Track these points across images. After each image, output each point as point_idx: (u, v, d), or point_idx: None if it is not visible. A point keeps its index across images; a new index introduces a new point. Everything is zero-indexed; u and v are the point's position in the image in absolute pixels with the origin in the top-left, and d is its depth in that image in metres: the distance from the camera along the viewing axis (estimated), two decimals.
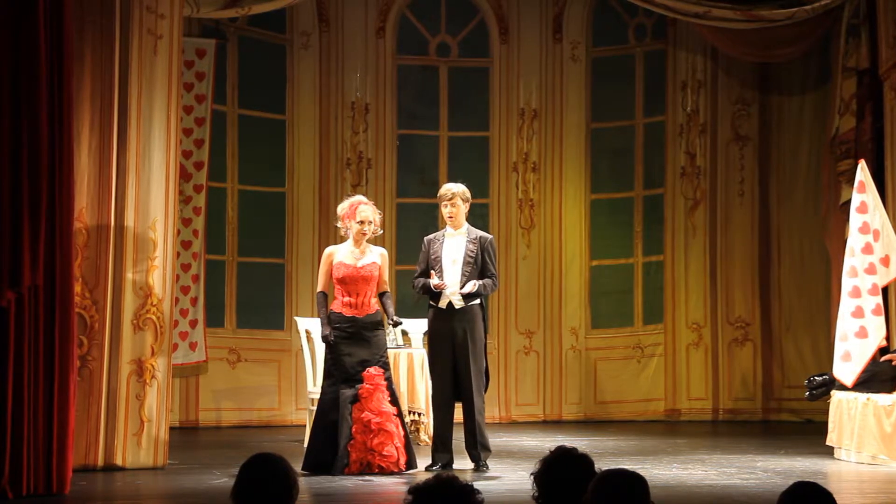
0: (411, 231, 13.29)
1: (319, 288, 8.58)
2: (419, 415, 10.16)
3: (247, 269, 12.63)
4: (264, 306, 12.67)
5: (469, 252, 8.49)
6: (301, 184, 12.86)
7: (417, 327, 11.11)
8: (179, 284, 11.32)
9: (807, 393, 10.00)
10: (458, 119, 13.48)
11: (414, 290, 8.70)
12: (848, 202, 9.87)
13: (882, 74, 10.78)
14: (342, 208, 8.65)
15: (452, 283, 8.45)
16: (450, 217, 8.57)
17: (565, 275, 13.37)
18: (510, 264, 13.31)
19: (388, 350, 9.85)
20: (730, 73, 13.09)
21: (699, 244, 13.16)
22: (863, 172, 9.34)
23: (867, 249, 9.17)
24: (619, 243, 13.53)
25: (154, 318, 8.57)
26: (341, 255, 8.49)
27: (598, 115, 13.53)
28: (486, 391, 8.60)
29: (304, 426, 10.37)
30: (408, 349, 10.45)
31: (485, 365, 8.55)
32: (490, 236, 8.74)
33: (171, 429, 9.02)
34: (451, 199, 8.58)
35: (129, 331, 8.48)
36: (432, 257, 8.52)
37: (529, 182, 13.37)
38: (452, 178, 13.30)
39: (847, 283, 9.20)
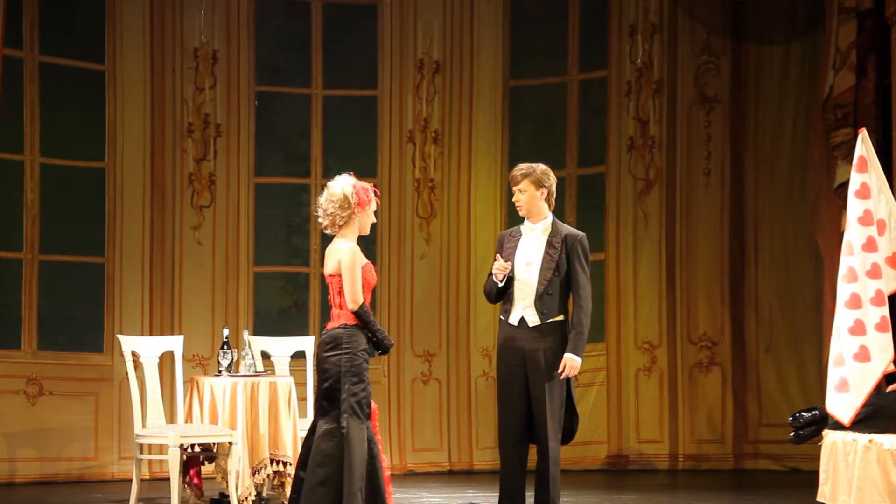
0: (272, 221, 13.20)
1: (363, 300, 8.07)
2: (285, 464, 10.01)
3: (52, 270, 12.51)
4: (76, 321, 12.62)
5: (550, 252, 8.60)
6: (126, 157, 12.75)
7: (282, 348, 10.95)
8: None
9: (792, 433, 10.00)
10: (336, 73, 13.45)
11: (487, 298, 8.80)
12: (845, 184, 9.91)
13: (890, 17, 10.83)
14: (353, 190, 8.04)
15: (528, 293, 8.56)
16: (518, 205, 8.66)
17: (476, 279, 13.27)
18: (403, 265, 13.41)
19: (245, 378, 9.74)
20: (693, 14, 13.16)
21: (652, 239, 13.28)
22: (864, 145, 9.31)
23: (870, 246, 9.15)
24: None
25: None
26: None
27: (519, 70, 13.59)
28: (572, 437, 8.72)
29: (130, 481, 10.19)
30: (269, 377, 10.30)
31: (562, 402, 8.66)
32: (581, 234, 8.71)
33: None
34: (518, 182, 8.63)
35: None
36: (504, 257, 8.67)
37: (430, 156, 13.36)
38: (328, 150, 13.40)
39: (844, 289, 9.16)
